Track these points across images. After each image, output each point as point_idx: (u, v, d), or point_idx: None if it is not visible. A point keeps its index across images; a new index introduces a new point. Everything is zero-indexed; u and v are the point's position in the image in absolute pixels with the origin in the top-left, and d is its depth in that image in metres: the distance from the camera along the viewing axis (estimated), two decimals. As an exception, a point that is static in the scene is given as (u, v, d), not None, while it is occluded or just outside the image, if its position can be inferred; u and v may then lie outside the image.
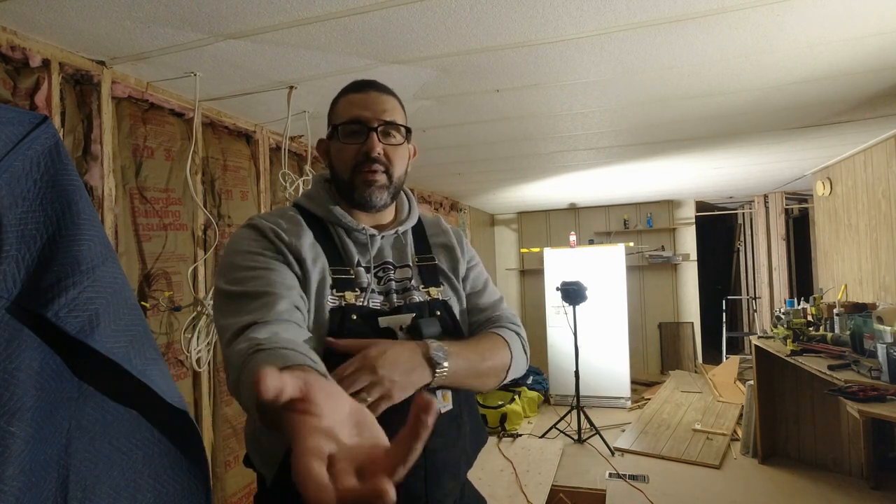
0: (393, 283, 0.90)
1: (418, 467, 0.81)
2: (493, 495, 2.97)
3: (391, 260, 0.93)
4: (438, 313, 0.89)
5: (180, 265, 1.90)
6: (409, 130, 0.92)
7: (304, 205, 0.93)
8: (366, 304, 0.85)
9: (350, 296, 0.84)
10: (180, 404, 1.18)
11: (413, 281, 0.92)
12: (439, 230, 1.02)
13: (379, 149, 0.87)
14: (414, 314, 0.86)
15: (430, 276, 0.94)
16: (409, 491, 0.80)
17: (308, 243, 0.85)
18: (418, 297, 0.90)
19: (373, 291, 0.87)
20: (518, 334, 0.95)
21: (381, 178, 0.88)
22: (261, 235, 0.84)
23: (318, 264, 0.84)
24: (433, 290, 0.92)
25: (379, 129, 0.87)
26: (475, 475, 3.27)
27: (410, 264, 0.94)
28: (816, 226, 4.24)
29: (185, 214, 1.93)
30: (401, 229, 0.95)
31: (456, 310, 0.94)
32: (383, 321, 0.84)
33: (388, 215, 0.97)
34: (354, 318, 0.82)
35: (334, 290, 0.84)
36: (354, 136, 0.88)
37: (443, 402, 0.85)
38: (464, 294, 0.98)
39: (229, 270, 0.82)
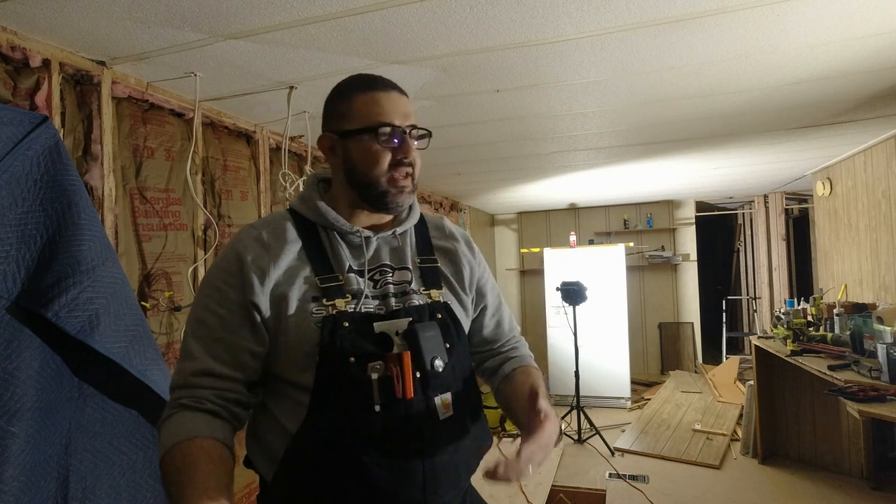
0: (391, 286, 0.88)
1: (416, 475, 0.79)
2: (492, 495, 2.97)
3: (388, 262, 0.90)
4: (439, 316, 0.87)
5: (180, 265, 1.90)
6: (430, 134, 0.91)
7: (297, 209, 0.91)
8: (358, 309, 0.83)
9: (341, 303, 0.82)
10: (180, 404, 1.16)
11: (413, 283, 0.90)
12: (444, 234, 1.00)
13: (414, 153, 0.87)
14: (411, 318, 0.84)
15: (432, 278, 0.92)
16: (407, 499, 0.79)
17: (289, 259, 0.84)
18: (418, 299, 0.88)
19: (366, 297, 0.85)
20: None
21: (409, 184, 0.88)
22: (234, 263, 0.83)
23: (299, 278, 0.83)
24: (434, 293, 0.90)
25: (410, 133, 0.87)
26: (475, 476, 3.25)
27: (410, 266, 0.91)
28: (816, 226, 4.24)
29: (185, 214, 1.93)
30: (399, 230, 0.92)
31: (458, 312, 0.92)
32: (378, 326, 0.82)
33: (386, 215, 0.94)
34: (346, 325, 0.80)
35: (324, 300, 0.82)
36: (389, 139, 0.85)
37: (442, 410, 0.83)
38: (469, 301, 0.97)
39: (196, 303, 0.86)
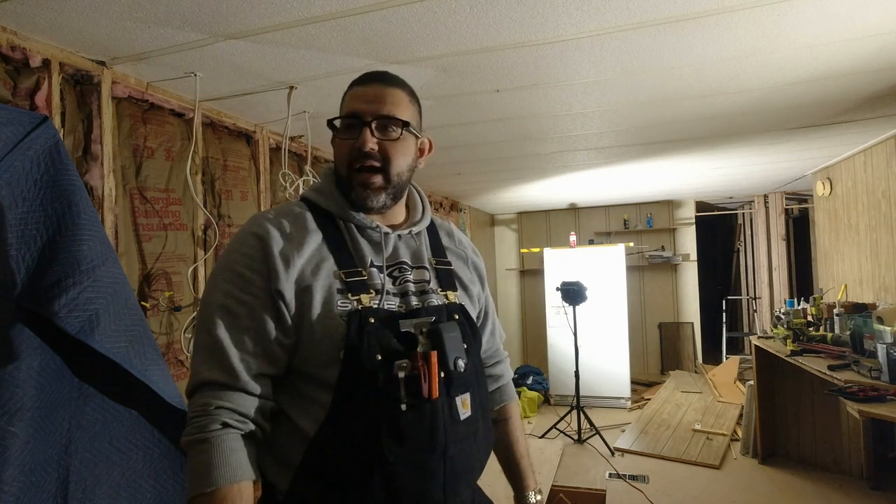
0: (410, 284, 0.87)
1: (438, 475, 0.78)
2: (493, 495, 2.94)
3: (407, 260, 0.89)
4: (457, 317, 0.87)
5: (180, 265, 1.90)
6: (406, 124, 0.85)
7: (313, 199, 0.89)
8: (381, 306, 0.82)
9: (366, 298, 0.81)
10: (180, 404, 1.18)
11: (431, 283, 0.90)
12: (453, 238, 1.02)
13: (371, 144, 0.82)
14: (434, 318, 0.83)
15: (447, 279, 0.93)
16: (429, 499, 0.78)
17: (312, 249, 0.82)
18: (436, 299, 0.88)
19: (388, 293, 0.84)
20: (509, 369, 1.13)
21: (377, 180, 0.84)
22: (257, 249, 0.80)
23: (323, 270, 0.81)
24: (451, 294, 0.90)
25: (373, 123, 0.83)
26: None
27: (427, 266, 0.91)
28: (816, 226, 4.24)
29: (185, 214, 1.93)
30: (415, 229, 0.93)
31: (472, 314, 0.94)
32: (404, 325, 0.81)
33: (399, 215, 0.94)
34: (372, 321, 0.79)
35: (349, 294, 0.80)
36: (350, 131, 0.84)
37: (462, 410, 0.82)
38: (478, 305, 1.00)
39: (215, 290, 0.80)
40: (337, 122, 0.86)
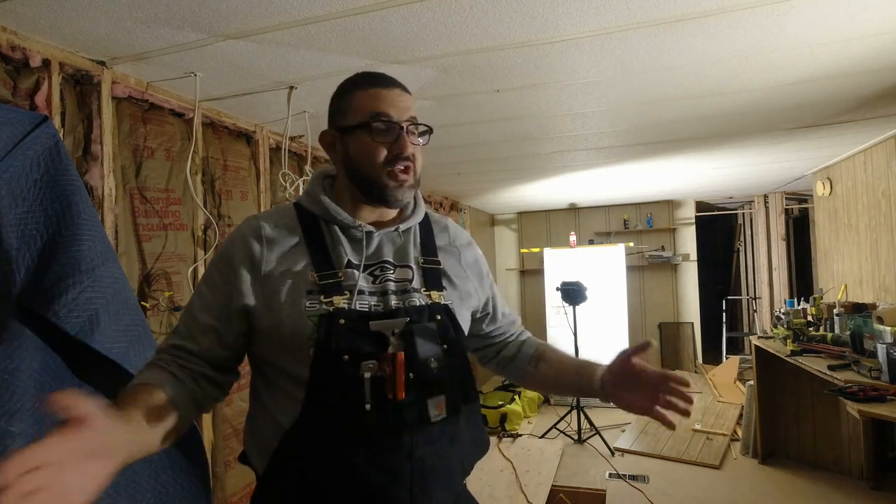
0: (391, 283, 0.87)
1: (403, 476, 0.78)
2: (493, 495, 2.97)
3: (389, 258, 0.89)
4: (439, 317, 0.86)
5: (180, 265, 1.90)
6: (432, 130, 0.92)
7: (302, 203, 0.92)
8: (353, 306, 0.82)
9: (339, 300, 0.82)
10: (180, 404, 1.16)
11: (414, 282, 0.89)
12: (449, 235, 1.02)
13: (411, 148, 0.87)
14: (409, 318, 0.83)
15: (434, 278, 0.92)
16: (394, 499, 0.78)
17: (286, 250, 0.85)
18: (419, 299, 0.87)
19: (361, 292, 0.84)
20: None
21: (410, 179, 0.88)
22: (228, 256, 0.87)
23: (295, 270, 0.84)
24: (434, 294, 0.89)
25: (408, 128, 0.87)
26: (475, 475, 3.25)
27: (412, 265, 0.90)
28: (816, 226, 4.24)
29: (185, 214, 1.93)
30: (402, 226, 0.92)
31: (459, 314, 0.92)
32: (374, 325, 0.81)
33: (391, 211, 0.94)
34: (342, 322, 0.80)
35: (322, 296, 0.81)
36: (384, 134, 0.86)
37: (435, 412, 0.82)
38: (475, 301, 0.99)
39: (205, 273, 0.92)
40: (374, 124, 0.86)
